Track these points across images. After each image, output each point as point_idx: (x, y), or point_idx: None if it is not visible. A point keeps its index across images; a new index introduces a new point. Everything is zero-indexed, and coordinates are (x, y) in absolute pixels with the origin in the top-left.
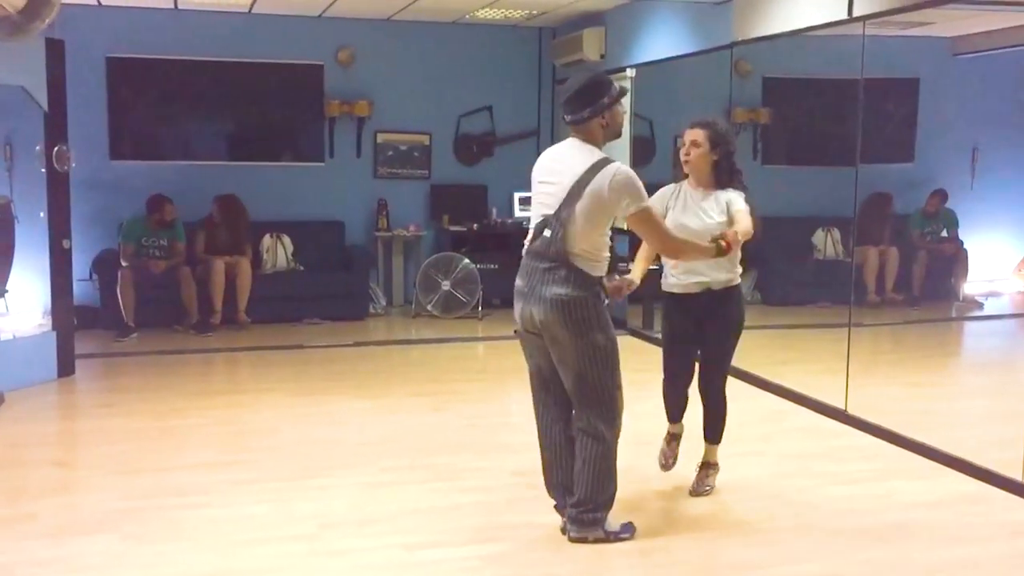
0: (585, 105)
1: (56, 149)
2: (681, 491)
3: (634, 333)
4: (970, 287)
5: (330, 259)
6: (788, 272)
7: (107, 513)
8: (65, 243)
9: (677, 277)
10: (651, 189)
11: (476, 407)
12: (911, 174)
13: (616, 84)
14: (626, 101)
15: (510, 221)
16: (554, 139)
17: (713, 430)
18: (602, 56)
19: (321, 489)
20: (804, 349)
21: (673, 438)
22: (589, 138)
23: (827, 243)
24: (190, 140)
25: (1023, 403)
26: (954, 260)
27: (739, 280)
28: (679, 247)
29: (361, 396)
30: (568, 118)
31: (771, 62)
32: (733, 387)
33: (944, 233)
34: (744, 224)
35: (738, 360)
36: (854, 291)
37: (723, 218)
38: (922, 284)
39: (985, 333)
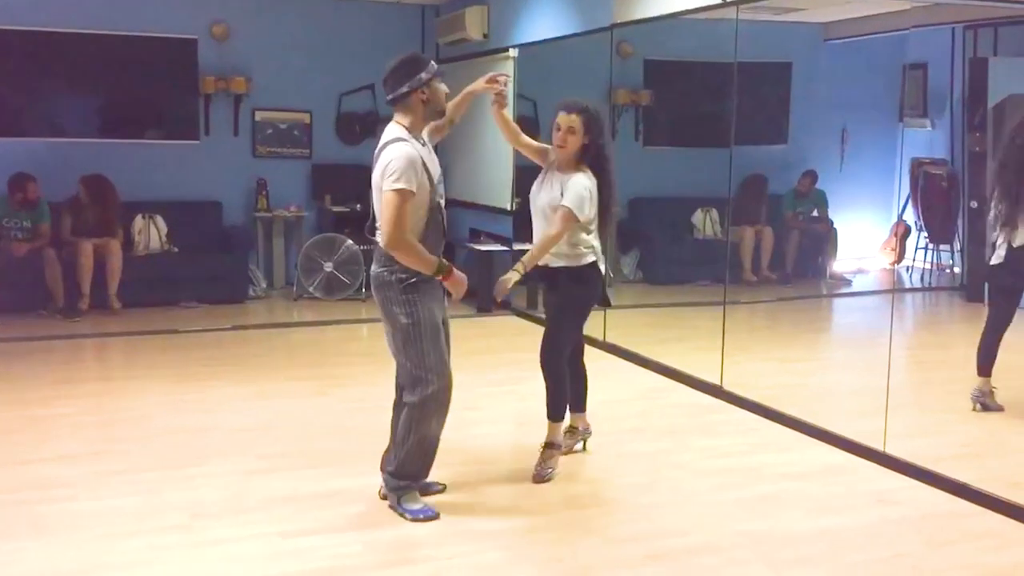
0: (403, 81)
1: None
2: (562, 468)
3: (518, 313)
4: (839, 265)
5: (207, 240)
6: (668, 251)
7: None
8: None
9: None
10: (535, 171)
11: (360, 390)
12: (784, 155)
13: (434, 63)
14: (510, 84)
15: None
16: None
17: (547, 404)
18: (485, 35)
19: (193, 479)
20: (683, 327)
21: (568, 431)
22: (410, 116)
23: (706, 223)
24: (55, 116)
25: (885, 376)
26: (824, 239)
27: (583, 263)
28: (400, 245)
29: (239, 381)
30: (389, 97)
31: (652, 45)
32: (612, 365)
33: (815, 213)
34: (550, 229)
35: (618, 338)
36: (730, 270)
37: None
38: (794, 262)
39: (852, 309)
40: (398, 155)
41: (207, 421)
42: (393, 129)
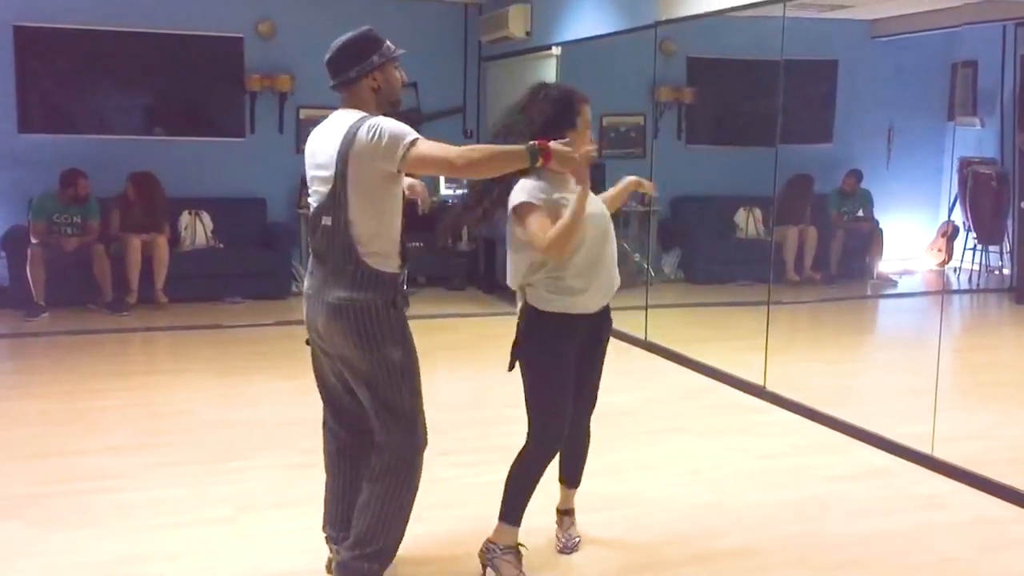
0: (350, 64)
1: None
2: (594, 475)
3: None
4: (884, 265)
5: (251, 237)
6: (711, 251)
7: (12, 499)
8: None
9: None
10: None
11: None
12: (829, 155)
13: (391, 44)
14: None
15: (435, 199)
16: (480, 116)
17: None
18: (528, 33)
19: (238, 471)
20: (725, 327)
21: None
22: (358, 104)
23: (748, 222)
24: (104, 113)
25: (933, 379)
26: (869, 239)
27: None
28: (475, 160)
29: (282, 376)
30: (333, 81)
31: (695, 42)
32: (653, 364)
33: (860, 212)
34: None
35: (659, 337)
36: (773, 269)
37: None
38: (839, 262)
39: (898, 310)
40: (389, 121)
41: (251, 415)
42: (352, 113)
